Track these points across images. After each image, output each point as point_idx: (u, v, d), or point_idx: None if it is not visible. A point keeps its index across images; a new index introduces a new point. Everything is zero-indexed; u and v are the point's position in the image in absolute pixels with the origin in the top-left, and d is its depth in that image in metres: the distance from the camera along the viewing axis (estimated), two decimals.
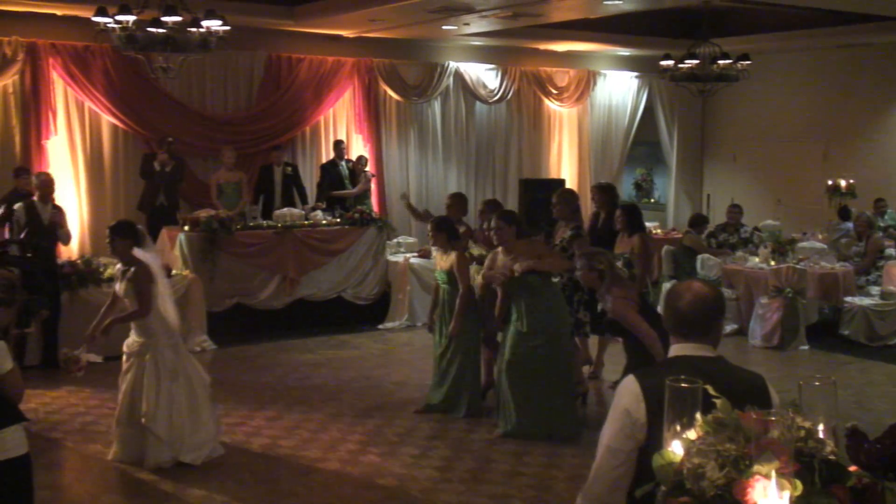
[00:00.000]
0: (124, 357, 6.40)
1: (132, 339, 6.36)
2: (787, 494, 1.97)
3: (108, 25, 8.60)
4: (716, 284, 10.95)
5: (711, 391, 2.27)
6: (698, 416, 2.24)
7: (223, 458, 6.54)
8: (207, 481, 6.18)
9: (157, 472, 6.21)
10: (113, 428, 6.52)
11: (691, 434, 2.23)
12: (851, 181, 13.72)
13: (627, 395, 2.75)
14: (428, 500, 5.93)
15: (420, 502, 5.92)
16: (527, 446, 6.87)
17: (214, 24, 8.73)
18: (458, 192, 9.38)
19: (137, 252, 6.25)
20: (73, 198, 11.56)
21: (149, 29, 8.49)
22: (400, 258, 11.47)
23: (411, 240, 12.22)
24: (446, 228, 7.59)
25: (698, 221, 12.10)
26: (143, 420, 6.21)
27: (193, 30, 8.64)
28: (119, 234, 6.23)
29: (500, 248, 7.15)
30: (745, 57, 12.26)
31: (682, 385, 2.29)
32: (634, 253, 8.00)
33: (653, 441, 2.52)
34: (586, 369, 8.93)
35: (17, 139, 11.19)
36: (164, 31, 8.50)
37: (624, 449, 2.71)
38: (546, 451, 6.79)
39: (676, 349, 2.88)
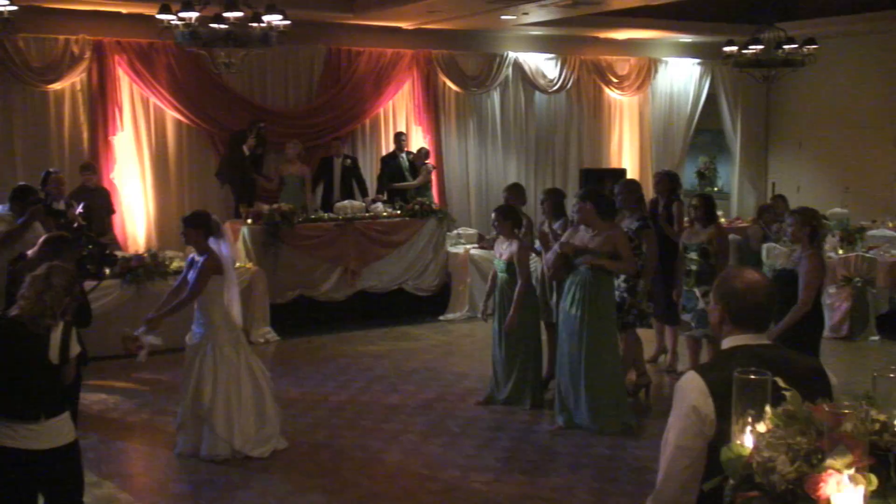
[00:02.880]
0: (186, 350, 6.51)
1: (193, 332, 6.46)
2: (861, 489, 1.92)
3: (172, 22, 8.77)
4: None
5: (781, 383, 2.22)
6: (768, 408, 2.19)
7: (287, 449, 6.62)
8: (272, 472, 6.27)
9: (223, 463, 6.32)
10: (177, 420, 6.64)
11: (761, 427, 2.19)
12: None
13: (693, 392, 2.68)
14: (490, 492, 5.93)
15: (482, 494, 5.91)
16: (590, 438, 6.82)
17: (275, 19, 8.84)
18: (515, 183, 9.26)
19: (211, 242, 6.33)
20: (139, 192, 11.81)
21: (211, 25, 8.64)
22: (460, 249, 11.47)
23: (471, 231, 12.21)
24: (512, 216, 7.55)
25: (762, 212, 11.62)
26: (202, 412, 6.31)
27: (254, 25, 8.74)
28: (191, 224, 6.34)
29: (581, 228, 7.04)
30: (811, 41, 11.99)
31: (751, 377, 2.24)
32: (714, 243, 7.84)
33: (723, 436, 2.47)
34: (664, 359, 8.86)
35: (85, 136, 11.45)
36: (225, 26, 8.63)
37: (694, 447, 2.65)
38: (609, 443, 6.73)
39: (734, 340, 2.81)
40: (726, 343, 2.83)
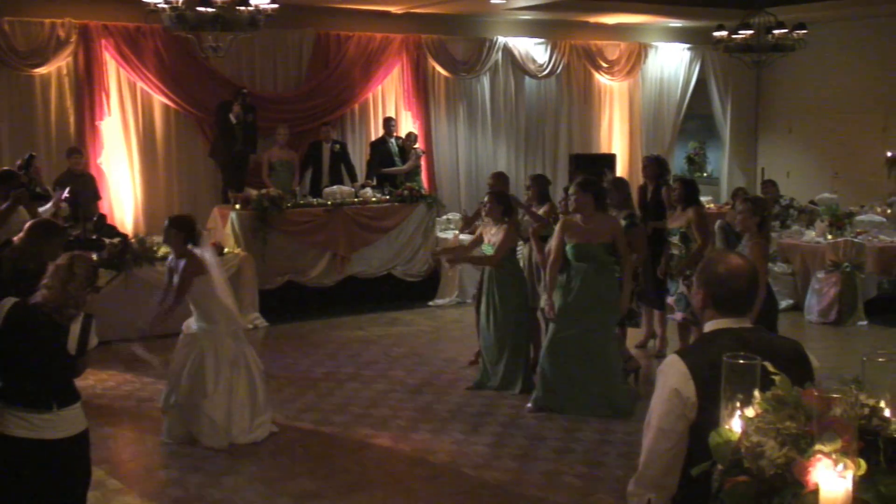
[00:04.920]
0: (182, 336, 6.49)
1: (192, 322, 6.47)
2: (850, 474, 1.91)
3: (159, 6, 8.69)
4: (770, 259, 10.78)
5: (770, 368, 2.21)
6: (757, 392, 2.18)
7: (276, 434, 6.61)
8: (261, 457, 6.26)
9: (212, 449, 6.30)
10: (162, 406, 6.60)
11: (749, 412, 2.18)
12: None
13: (675, 375, 2.69)
14: (479, 477, 5.93)
15: (471, 479, 5.91)
16: (578, 422, 6.84)
17: (263, 3, 8.78)
18: (500, 172, 9.29)
19: (192, 248, 6.36)
20: (126, 178, 11.72)
21: (198, 8, 8.56)
22: (450, 235, 11.44)
23: (460, 216, 12.17)
24: (505, 202, 7.56)
25: (740, 196, 11.60)
26: (204, 402, 6.31)
27: (242, 8, 8.68)
28: (175, 225, 6.35)
29: (577, 216, 7.05)
30: (801, 26, 11.96)
31: (740, 361, 2.23)
32: (692, 226, 7.86)
33: (705, 419, 2.48)
34: (653, 344, 8.90)
35: (72, 120, 11.35)
36: (213, 10, 8.56)
37: (676, 429, 2.66)
38: (598, 428, 6.75)
39: (716, 323, 2.81)
40: (708, 326, 2.83)
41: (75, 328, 4.14)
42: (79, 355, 4.18)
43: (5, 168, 8.04)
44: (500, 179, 8.52)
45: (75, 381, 4.30)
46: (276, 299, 10.34)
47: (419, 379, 8.12)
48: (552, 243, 7.16)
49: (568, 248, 6.98)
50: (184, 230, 6.35)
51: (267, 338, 9.72)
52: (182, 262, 6.28)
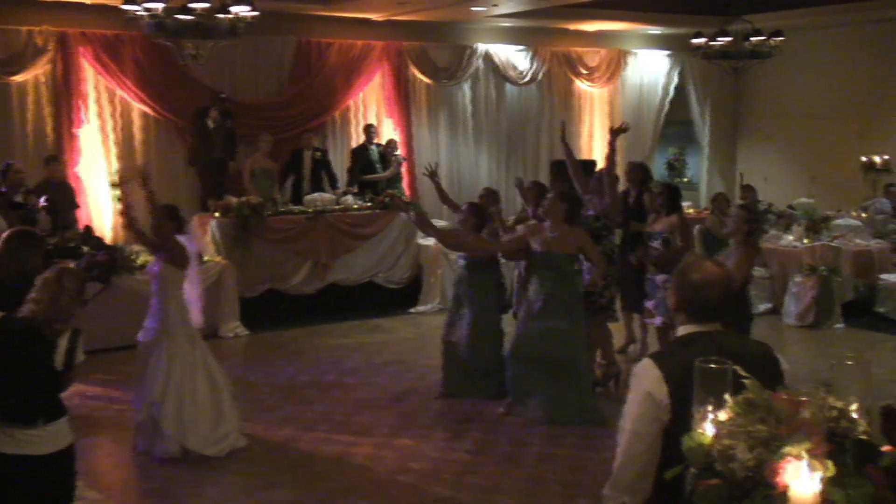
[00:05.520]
0: (140, 346, 6.43)
1: (147, 328, 6.38)
2: (818, 475, 1.94)
3: (137, 13, 8.66)
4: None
5: (741, 371, 2.24)
6: (728, 396, 2.21)
7: (258, 441, 6.59)
8: (242, 467, 6.25)
9: (194, 459, 6.25)
10: (134, 417, 6.54)
11: (722, 415, 2.21)
12: (887, 157, 13.48)
13: (648, 378, 2.71)
14: (461, 483, 5.94)
15: (453, 485, 5.92)
16: (561, 428, 6.86)
17: (243, 10, 8.76)
18: (490, 188, 9.27)
19: (179, 238, 6.34)
20: (105, 186, 11.64)
21: (178, 16, 8.53)
22: (431, 241, 11.44)
23: (442, 223, 12.19)
24: (479, 215, 7.61)
25: (719, 202, 11.70)
26: (153, 409, 6.22)
27: (222, 16, 8.66)
28: (168, 216, 6.32)
29: (546, 223, 7.11)
30: (777, 33, 12.07)
31: (712, 366, 2.26)
32: (675, 233, 7.92)
33: (678, 422, 2.50)
34: (633, 349, 8.94)
35: (50, 128, 11.26)
36: (192, 17, 8.54)
37: (650, 432, 2.69)
38: (581, 433, 6.77)
39: (689, 327, 2.83)
40: (681, 330, 2.86)
41: (62, 343, 4.11)
42: (65, 371, 4.15)
43: None
44: (488, 195, 8.53)
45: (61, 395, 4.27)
46: (257, 307, 10.31)
47: (402, 386, 8.13)
48: (516, 233, 7.34)
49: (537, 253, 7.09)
50: (175, 219, 6.35)
51: (248, 346, 9.70)
52: (156, 266, 6.26)
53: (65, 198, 10.15)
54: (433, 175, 8.29)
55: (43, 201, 8.06)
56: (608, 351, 8.03)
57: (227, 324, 9.91)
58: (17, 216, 7.15)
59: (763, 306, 10.80)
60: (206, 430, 6.33)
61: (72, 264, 7.07)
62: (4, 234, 5.33)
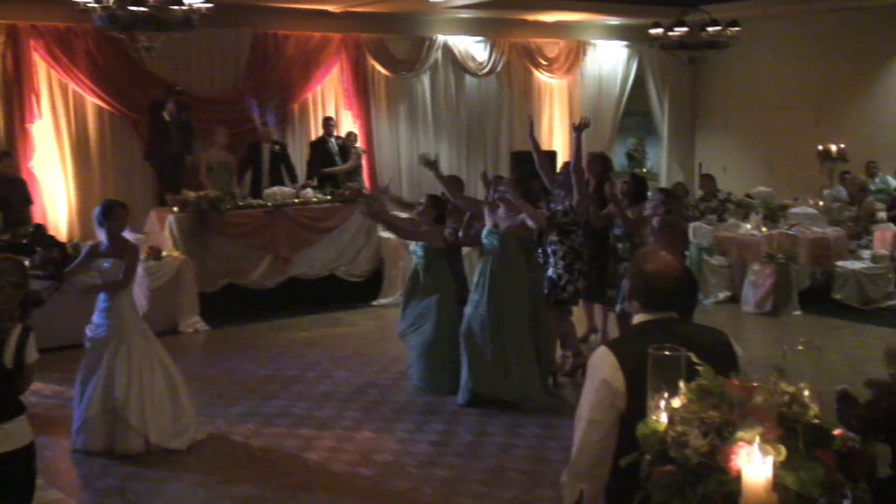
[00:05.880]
0: (88, 344, 6.33)
1: (97, 325, 6.28)
2: (770, 460, 1.95)
3: (89, 5, 8.51)
4: (708, 251, 10.98)
5: (694, 359, 2.25)
6: (682, 383, 2.22)
7: (219, 436, 6.54)
8: (203, 463, 6.19)
9: (152, 455, 6.20)
10: (76, 416, 6.39)
11: (675, 402, 2.21)
12: (842, 146, 13.67)
13: (604, 366, 2.73)
14: (423, 475, 5.94)
15: (415, 477, 5.92)
16: (521, 419, 6.88)
17: (197, 1, 8.64)
18: (454, 175, 9.24)
19: (127, 234, 6.26)
20: (59, 182, 11.45)
21: (130, 7, 8.39)
22: (392, 234, 11.40)
23: (403, 216, 12.14)
24: (439, 208, 7.60)
25: (677, 191, 11.77)
26: (114, 405, 6.15)
27: (175, 7, 8.53)
28: (126, 210, 6.28)
29: (500, 207, 7.23)
30: (734, 23, 12.19)
31: (665, 353, 2.27)
32: (639, 223, 7.96)
33: (634, 409, 2.51)
34: (595, 338, 8.98)
35: (1, 124, 11.05)
36: (145, 9, 8.40)
37: (606, 420, 2.70)
38: (541, 423, 6.80)
39: (644, 315, 2.86)
40: (637, 318, 2.88)
41: (11, 341, 4.02)
42: (17, 369, 4.06)
43: None
44: (452, 183, 8.42)
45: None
46: (216, 302, 10.21)
47: (363, 379, 8.10)
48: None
49: (484, 232, 7.19)
50: (127, 215, 6.33)
51: (208, 341, 9.61)
52: (107, 263, 6.19)
53: (18, 194, 9.99)
54: (433, 164, 8.16)
55: None
56: (574, 342, 8.09)
57: (187, 319, 9.80)
58: None
59: (722, 294, 10.92)
60: (168, 422, 6.30)
61: (26, 261, 6.99)
62: None
